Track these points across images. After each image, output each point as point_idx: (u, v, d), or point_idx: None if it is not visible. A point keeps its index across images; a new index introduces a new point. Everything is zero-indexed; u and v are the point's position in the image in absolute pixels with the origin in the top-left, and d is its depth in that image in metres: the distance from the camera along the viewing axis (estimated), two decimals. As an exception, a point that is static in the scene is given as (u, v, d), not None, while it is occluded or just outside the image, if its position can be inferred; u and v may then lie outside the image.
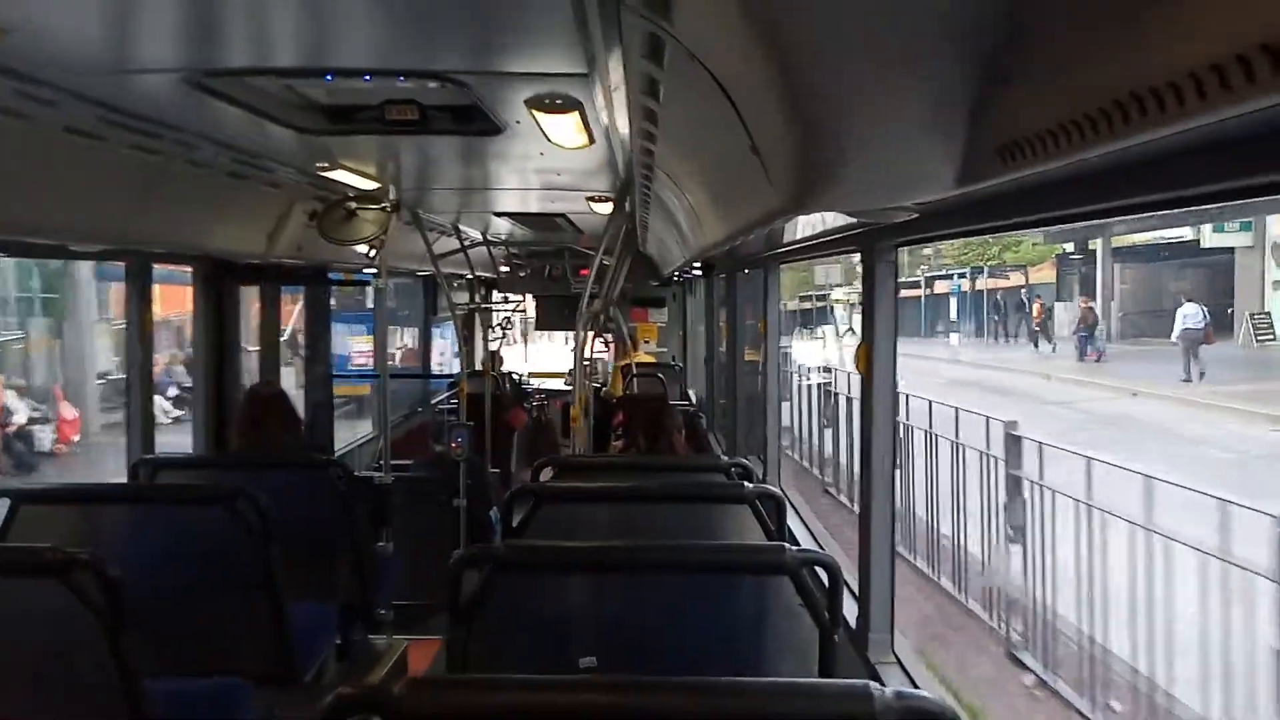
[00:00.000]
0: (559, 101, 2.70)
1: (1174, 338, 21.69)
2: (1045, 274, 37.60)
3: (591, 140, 3.22)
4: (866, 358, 2.82)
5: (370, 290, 6.27)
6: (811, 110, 1.48)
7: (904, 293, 42.35)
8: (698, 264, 7.47)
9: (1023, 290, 36.44)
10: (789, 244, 4.24)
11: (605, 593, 2.42)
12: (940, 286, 42.64)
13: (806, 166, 1.69)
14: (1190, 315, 21.30)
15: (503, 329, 8.74)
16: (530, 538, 2.81)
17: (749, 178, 2.06)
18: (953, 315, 39.46)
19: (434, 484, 5.78)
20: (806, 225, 3.48)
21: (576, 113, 2.79)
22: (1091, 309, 27.35)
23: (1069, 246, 34.45)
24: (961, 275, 40.79)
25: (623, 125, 2.88)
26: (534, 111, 2.80)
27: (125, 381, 4.18)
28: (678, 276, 9.86)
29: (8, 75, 2.30)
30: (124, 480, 3.88)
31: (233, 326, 4.86)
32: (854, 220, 2.63)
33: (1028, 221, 1.83)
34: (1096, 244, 30.80)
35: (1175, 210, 1.73)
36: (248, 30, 2.20)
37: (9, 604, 2.30)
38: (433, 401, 9.56)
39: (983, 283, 39.93)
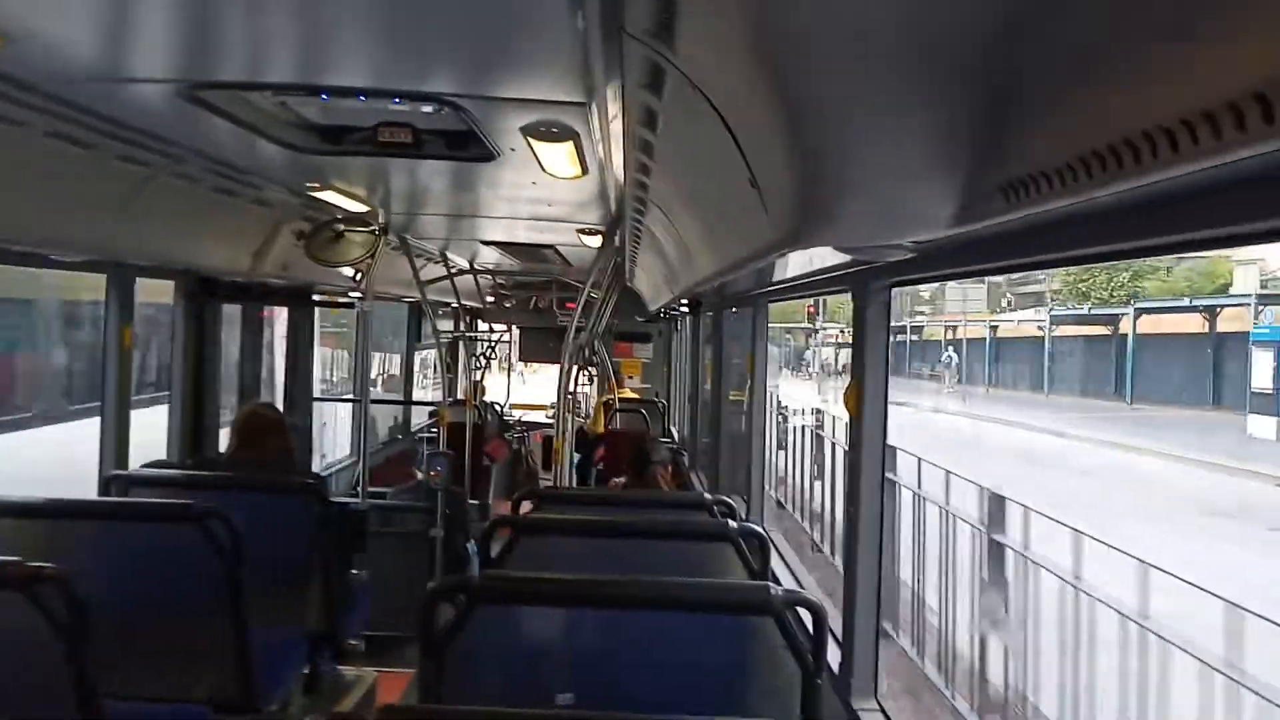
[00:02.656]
0: (555, 130, 2.70)
1: None
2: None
3: (585, 170, 3.21)
4: (857, 398, 2.80)
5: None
6: (812, 143, 1.47)
7: (1073, 329, 31.45)
8: (685, 301, 7.48)
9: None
10: (779, 282, 4.24)
11: (584, 628, 2.36)
12: (1148, 324, 28.01)
13: (805, 201, 1.68)
14: None
15: (486, 359, 8.70)
16: (508, 570, 2.74)
17: (745, 211, 2.04)
18: (1263, 381, 20.35)
19: (411, 512, 5.69)
20: (796, 264, 3.48)
21: (572, 142, 2.78)
22: None
23: None
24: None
25: (618, 157, 2.88)
26: (529, 139, 2.79)
27: (101, 395, 4.10)
28: (664, 313, 9.86)
29: (1, 81, 2.27)
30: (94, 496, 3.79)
31: (213, 343, 4.79)
32: (846, 259, 2.62)
33: (1029, 263, 1.82)
34: None
35: (1188, 253, 1.71)
36: (243, 43, 2.18)
37: None
38: (413, 430, 9.46)
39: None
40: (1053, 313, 34.10)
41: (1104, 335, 30.62)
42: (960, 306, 34.98)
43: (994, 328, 36.25)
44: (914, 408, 29.60)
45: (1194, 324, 25.94)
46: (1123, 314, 30.09)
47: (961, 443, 18.44)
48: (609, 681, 2.30)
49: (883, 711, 2.76)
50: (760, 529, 3.14)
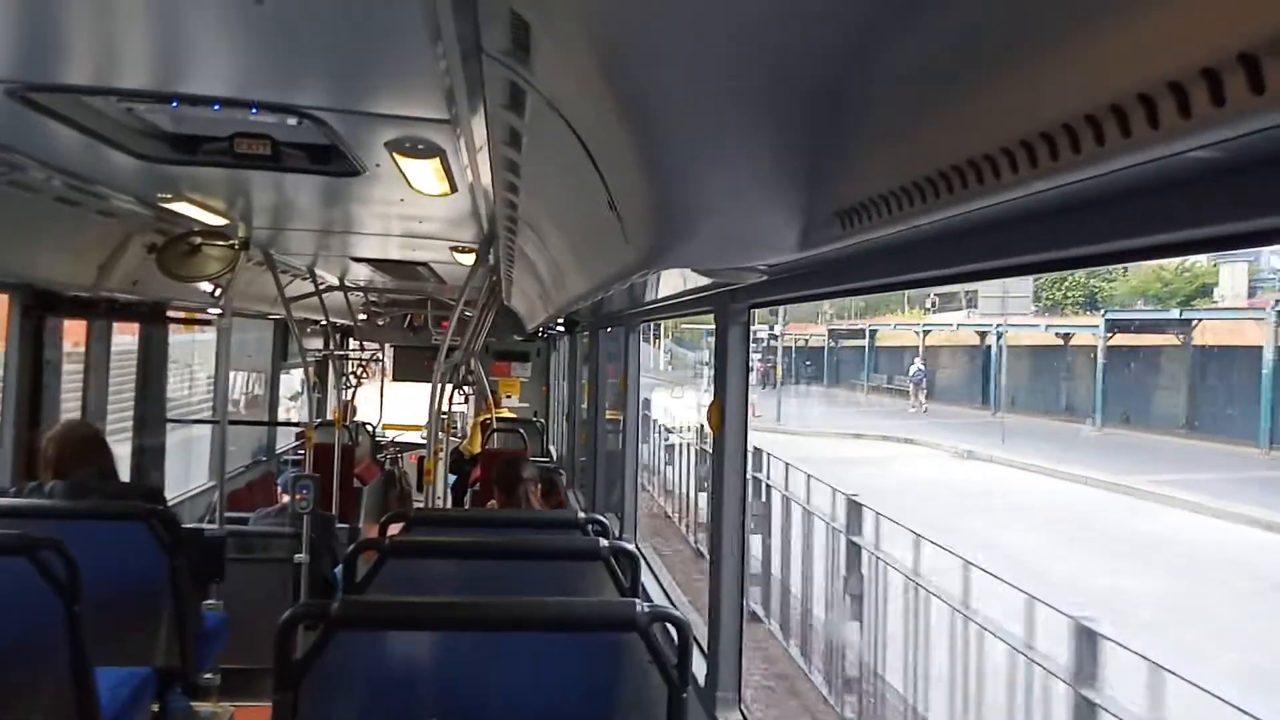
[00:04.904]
0: (420, 147, 2.67)
1: None
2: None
3: (454, 189, 3.19)
4: (719, 415, 2.87)
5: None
6: (663, 166, 1.52)
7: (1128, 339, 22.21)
8: (562, 320, 7.50)
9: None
10: (649, 303, 4.31)
11: (450, 652, 2.33)
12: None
13: (661, 222, 1.72)
14: None
15: (357, 378, 8.46)
16: (373, 594, 2.68)
17: (608, 233, 2.08)
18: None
19: (273, 538, 5.46)
20: (666, 286, 3.55)
21: (438, 159, 2.76)
22: None
23: None
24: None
25: (485, 175, 2.87)
26: (395, 155, 2.75)
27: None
28: (542, 332, 9.84)
29: None
30: None
31: (53, 361, 4.49)
32: (708, 281, 2.69)
33: (872, 286, 1.92)
34: None
35: (1014, 276, 1.84)
36: (83, 46, 2.07)
37: None
38: (278, 451, 9.10)
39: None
40: (1108, 316, 25.62)
41: (1170, 345, 22.49)
42: (998, 306, 25.43)
43: (999, 334, 27.87)
44: (915, 445, 22.22)
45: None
46: (1197, 318, 23.03)
47: None
48: (475, 705, 2.27)
49: (746, 722, 2.83)
50: (632, 547, 3.17)
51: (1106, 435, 22.81)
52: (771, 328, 33.27)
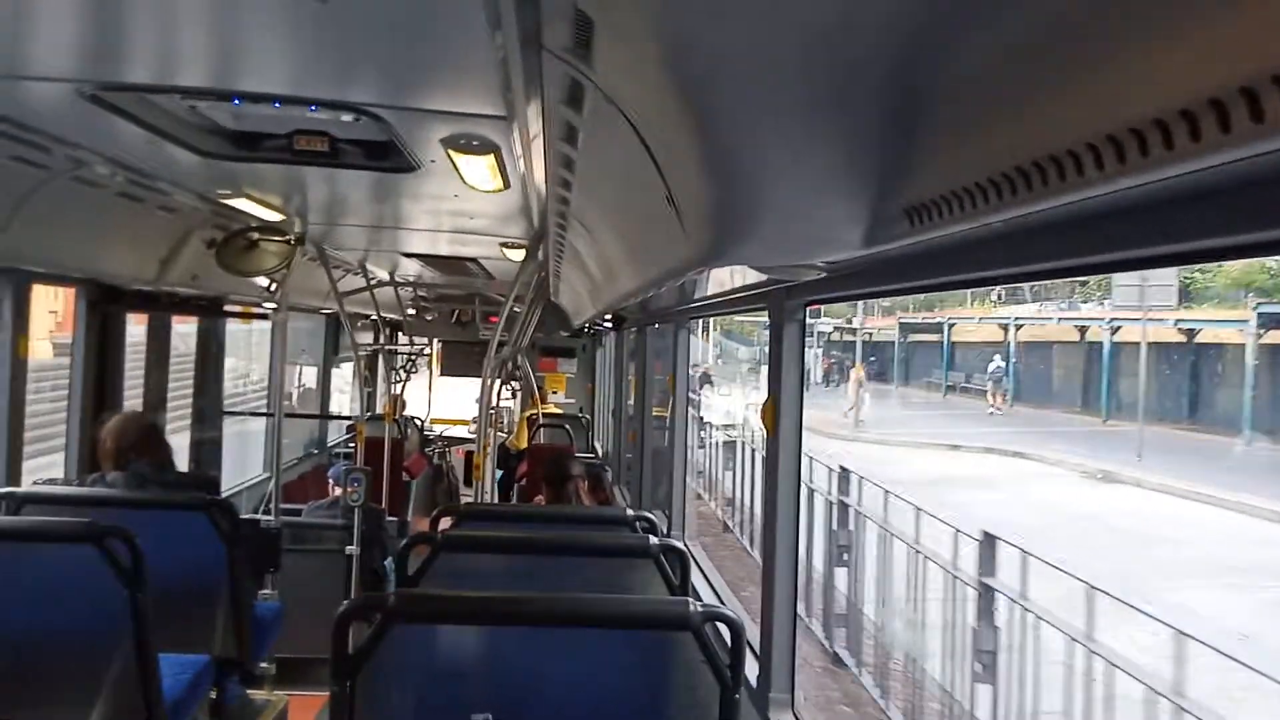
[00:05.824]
0: (475, 143, 2.68)
1: None
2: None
3: (507, 185, 3.20)
4: (773, 414, 2.84)
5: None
6: (726, 163, 1.50)
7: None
8: (609, 316, 7.50)
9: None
10: (699, 300, 4.28)
11: (502, 646, 2.34)
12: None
13: (721, 219, 1.70)
14: None
15: (406, 372, 8.55)
16: (426, 588, 2.70)
17: (664, 228, 2.06)
18: None
19: (325, 530, 5.55)
20: (716, 282, 3.53)
21: (493, 155, 2.77)
22: None
23: None
24: None
25: (539, 171, 2.87)
26: (450, 151, 2.76)
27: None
28: (589, 328, 9.86)
29: None
30: None
31: (116, 354, 4.60)
32: (763, 278, 2.67)
33: (935, 284, 1.88)
34: None
35: (1084, 276, 1.78)
36: (149, 46, 2.11)
37: None
38: (329, 445, 9.25)
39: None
40: (1260, 309, 21.20)
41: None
42: (1136, 297, 21.38)
43: (1114, 328, 24.26)
44: (1027, 460, 17.66)
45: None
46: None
47: None
48: (527, 700, 2.28)
49: (798, 724, 2.80)
50: (681, 545, 3.16)
51: (1266, 451, 18.78)
52: (849, 320, 30.88)
